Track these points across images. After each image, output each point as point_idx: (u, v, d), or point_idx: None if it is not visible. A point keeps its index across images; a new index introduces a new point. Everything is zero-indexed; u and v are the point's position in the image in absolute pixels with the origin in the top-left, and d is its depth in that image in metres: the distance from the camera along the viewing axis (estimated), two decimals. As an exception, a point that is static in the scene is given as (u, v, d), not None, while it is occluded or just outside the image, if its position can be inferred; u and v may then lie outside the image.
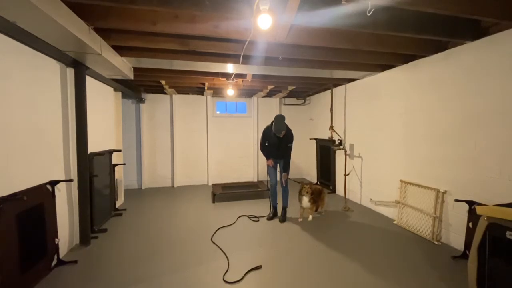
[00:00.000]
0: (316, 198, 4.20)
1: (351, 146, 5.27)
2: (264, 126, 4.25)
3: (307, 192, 4.06)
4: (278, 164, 4.28)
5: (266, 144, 4.24)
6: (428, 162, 3.55)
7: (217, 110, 7.14)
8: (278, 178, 4.27)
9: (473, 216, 2.72)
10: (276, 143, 4.11)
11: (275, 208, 4.29)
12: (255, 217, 4.27)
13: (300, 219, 4.14)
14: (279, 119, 3.99)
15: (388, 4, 2.13)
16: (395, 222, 3.96)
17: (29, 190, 2.40)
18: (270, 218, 4.21)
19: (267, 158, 4.29)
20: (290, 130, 4.16)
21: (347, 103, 5.45)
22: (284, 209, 4.22)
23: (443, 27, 2.77)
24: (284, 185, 4.21)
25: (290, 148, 4.17)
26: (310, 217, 4.17)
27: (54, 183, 2.78)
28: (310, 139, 6.95)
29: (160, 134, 6.65)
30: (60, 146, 3.02)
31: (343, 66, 4.13)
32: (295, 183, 4.75)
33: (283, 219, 4.13)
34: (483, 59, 2.87)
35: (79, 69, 3.16)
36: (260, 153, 7.10)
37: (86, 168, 3.26)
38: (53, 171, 2.86)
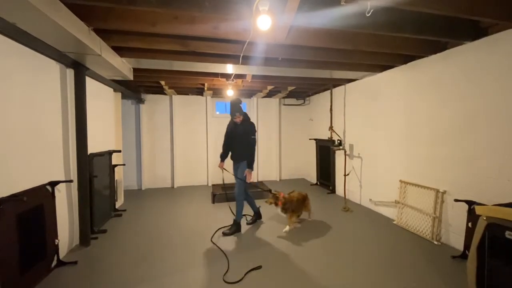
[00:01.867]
0: (296, 207, 3.79)
1: (351, 146, 5.28)
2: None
3: (270, 203, 3.75)
4: (238, 170, 3.76)
5: (227, 140, 3.89)
6: (428, 162, 3.56)
7: (217, 111, 7.15)
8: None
9: (472, 216, 2.72)
10: (235, 134, 3.73)
11: (256, 213, 4.09)
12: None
13: (298, 225, 3.91)
14: (233, 101, 3.67)
15: (387, 5, 2.14)
16: (394, 222, 3.97)
17: (29, 191, 2.40)
18: (250, 223, 3.99)
19: (222, 159, 3.89)
20: (252, 122, 3.79)
21: (347, 103, 5.46)
22: (256, 213, 4.04)
23: (442, 28, 2.78)
24: (236, 191, 3.69)
25: (254, 141, 3.70)
26: (287, 227, 3.71)
27: (54, 183, 2.79)
28: (310, 139, 6.96)
29: (159, 135, 6.65)
30: (60, 147, 3.02)
31: (342, 66, 4.14)
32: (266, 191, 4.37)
33: (251, 222, 3.98)
34: (482, 60, 2.88)
35: (79, 70, 3.17)
36: (260, 153, 7.27)
37: (86, 169, 3.26)
38: (53, 172, 2.87)
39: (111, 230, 3.77)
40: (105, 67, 3.36)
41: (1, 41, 2.17)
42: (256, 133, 3.76)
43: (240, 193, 3.69)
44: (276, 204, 3.70)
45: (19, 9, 1.82)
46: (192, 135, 6.84)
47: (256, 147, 3.82)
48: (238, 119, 3.69)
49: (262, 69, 4.15)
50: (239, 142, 3.72)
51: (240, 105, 3.71)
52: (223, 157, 3.89)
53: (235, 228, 3.69)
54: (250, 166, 3.69)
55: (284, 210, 3.69)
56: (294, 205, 3.76)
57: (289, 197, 3.78)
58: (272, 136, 7.38)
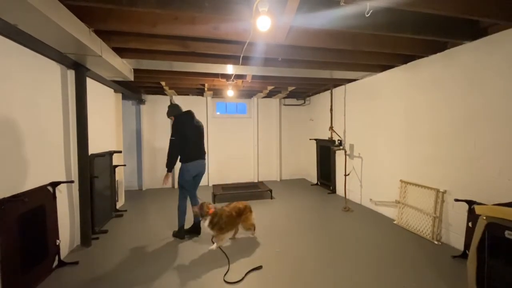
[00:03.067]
0: (226, 224, 3.15)
1: (351, 146, 5.28)
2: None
3: (195, 214, 3.28)
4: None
5: None
6: (428, 162, 3.56)
7: (217, 111, 7.15)
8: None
9: (472, 216, 2.72)
10: None
11: (180, 228, 3.52)
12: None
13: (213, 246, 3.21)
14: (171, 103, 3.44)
15: (386, 5, 2.14)
16: (395, 222, 3.97)
17: (30, 192, 2.41)
18: (180, 235, 3.49)
19: None
20: (178, 118, 3.60)
21: (347, 103, 5.46)
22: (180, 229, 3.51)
23: (442, 28, 2.78)
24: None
25: (171, 142, 3.48)
26: (214, 245, 3.17)
27: (55, 184, 2.79)
28: (310, 139, 6.96)
29: (160, 135, 6.66)
30: (61, 148, 3.03)
31: (342, 66, 4.14)
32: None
33: (174, 235, 3.55)
34: (482, 59, 2.88)
35: (80, 71, 3.18)
36: (260, 153, 7.28)
37: (86, 170, 3.27)
38: (54, 172, 2.88)
39: (112, 231, 3.78)
40: (105, 68, 3.37)
41: (2, 42, 2.18)
42: (177, 133, 3.48)
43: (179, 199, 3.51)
44: (202, 216, 3.14)
45: (20, 10, 1.83)
46: (192, 136, 6.84)
47: (174, 149, 3.51)
48: (170, 119, 3.64)
49: (262, 70, 4.15)
50: None
51: (175, 107, 3.71)
52: None
53: (178, 234, 3.51)
54: (167, 168, 3.47)
55: (211, 224, 3.09)
56: (224, 221, 3.14)
57: (219, 210, 3.19)
58: (273, 136, 7.38)
